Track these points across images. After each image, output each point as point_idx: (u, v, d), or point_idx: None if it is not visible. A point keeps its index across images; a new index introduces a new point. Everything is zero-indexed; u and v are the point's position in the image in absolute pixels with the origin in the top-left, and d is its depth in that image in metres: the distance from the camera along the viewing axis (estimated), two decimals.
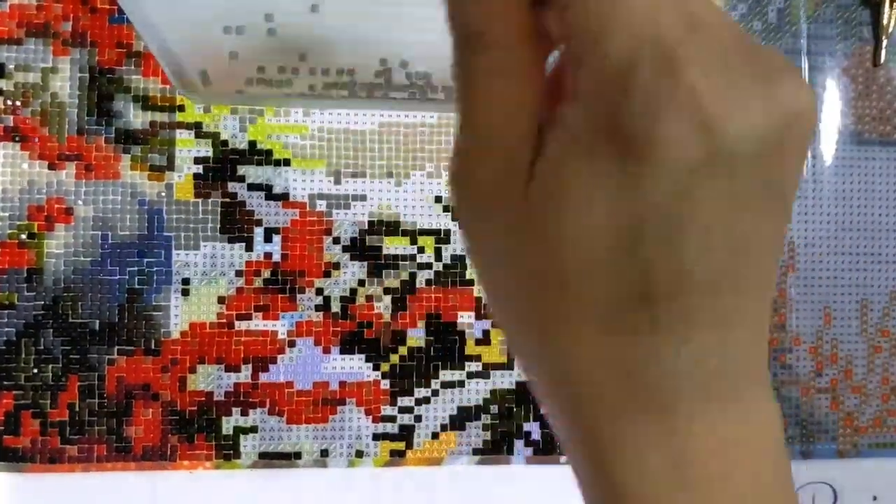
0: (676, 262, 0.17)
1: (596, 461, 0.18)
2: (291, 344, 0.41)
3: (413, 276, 0.42)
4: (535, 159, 0.18)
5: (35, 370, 0.39)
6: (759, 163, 0.17)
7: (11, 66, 0.40)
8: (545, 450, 0.42)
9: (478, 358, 0.42)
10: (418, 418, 0.41)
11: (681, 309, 0.17)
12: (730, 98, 0.16)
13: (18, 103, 0.40)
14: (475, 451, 0.42)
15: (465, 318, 0.42)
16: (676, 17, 0.17)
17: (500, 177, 0.18)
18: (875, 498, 0.44)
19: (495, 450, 0.42)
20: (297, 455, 0.41)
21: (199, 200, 0.41)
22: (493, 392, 0.42)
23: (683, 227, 0.16)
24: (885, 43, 0.44)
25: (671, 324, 0.17)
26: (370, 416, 0.41)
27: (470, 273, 0.42)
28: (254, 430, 0.40)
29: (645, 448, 0.18)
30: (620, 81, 0.16)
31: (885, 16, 0.44)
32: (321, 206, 0.41)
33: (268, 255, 0.41)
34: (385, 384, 0.41)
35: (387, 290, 0.42)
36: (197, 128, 0.41)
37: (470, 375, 0.42)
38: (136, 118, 0.41)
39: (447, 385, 0.42)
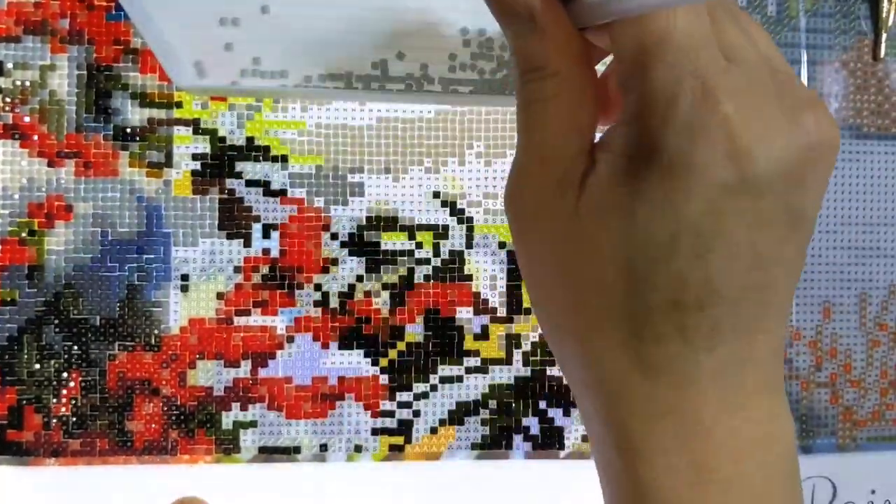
0: (706, 274, 0.18)
1: (625, 458, 0.20)
2: (290, 339, 0.41)
3: (411, 271, 0.42)
4: (584, 176, 0.20)
5: (37, 366, 0.40)
6: (782, 188, 0.18)
7: (10, 65, 0.40)
8: (544, 445, 0.42)
9: (476, 353, 0.42)
10: (417, 413, 0.42)
11: (708, 319, 0.19)
12: (758, 129, 0.17)
13: (17, 101, 0.40)
14: (474, 446, 0.42)
15: (464, 313, 0.42)
16: (715, 51, 0.18)
17: (553, 190, 0.20)
18: (873, 491, 0.44)
19: (494, 445, 0.42)
20: (297, 449, 0.41)
21: (198, 197, 0.41)
22: (491, 387, 0.42)
23: (713, 242, 0.18)
24: (884, 37, 0.44)
25: (698, 333, 0.19)
26: (369, 411, 0.41)
27: (468, 268, 0.42)
28: (253, 424, 0.41)
29: (670, 448, 0.19)
30: (662, 111, 0.18)
31: (884, 10, 0.43)
32: (319, 202, 0.41)
33: (266, 251, 0.41)
34: (384, 379, 0.41)
35: (385, 286, 0.42)
36: (195, 124, 0.41)
37: (468, 370, 0.42)
38: (134, 115, 0.41)
39: (446, 380, 0.42)
